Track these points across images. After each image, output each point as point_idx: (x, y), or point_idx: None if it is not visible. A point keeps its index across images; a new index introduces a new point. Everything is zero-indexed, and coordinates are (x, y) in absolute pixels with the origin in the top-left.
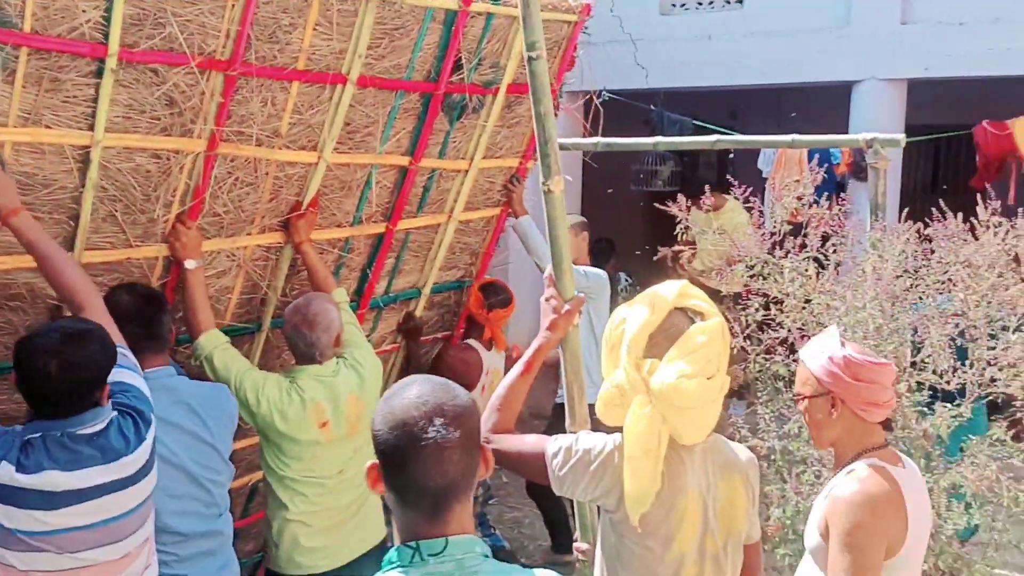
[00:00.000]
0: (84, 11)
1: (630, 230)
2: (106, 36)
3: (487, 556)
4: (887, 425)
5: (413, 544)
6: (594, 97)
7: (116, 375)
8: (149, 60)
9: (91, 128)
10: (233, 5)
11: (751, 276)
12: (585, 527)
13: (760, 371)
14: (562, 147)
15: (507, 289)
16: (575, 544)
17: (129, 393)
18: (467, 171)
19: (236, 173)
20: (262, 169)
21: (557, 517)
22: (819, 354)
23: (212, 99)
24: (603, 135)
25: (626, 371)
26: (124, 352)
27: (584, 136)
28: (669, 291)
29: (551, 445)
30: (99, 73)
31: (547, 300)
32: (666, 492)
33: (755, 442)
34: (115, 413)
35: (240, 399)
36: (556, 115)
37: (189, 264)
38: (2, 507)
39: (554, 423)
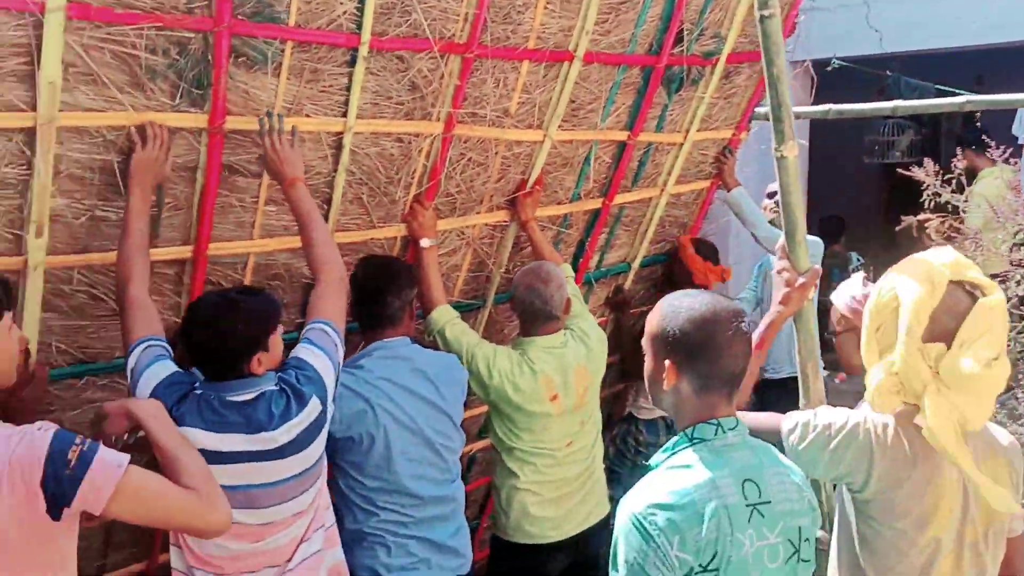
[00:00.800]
0: (341, 3)
1: (862, 207)
2: (359, 26)
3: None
4: None
5: (714, 421)
6: (809, 66)
7: (297, 351)
8: (396, 47)
9: (344, 115)
10: None
11: (1014, 245)
12: (824, 514)
13: (1021, 351)
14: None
15: (709, 242)
16: None
17: (301, 371)
18: (682, 144)
19: (468, 154)
20: (491, 149)
21: None
22: (845, 295)
23: (450, 82)
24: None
25: (906, 358)
26: (324, 329)
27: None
28: (944, 261)
29: (787, 421)
30: (352, 62)
31: (779, 272)
32: (920, 471)
33: (1014, 428)
34: (274, 387)
35: (472, 371)
36: None
37: (425, 243)
38: None
39: (757, 402)
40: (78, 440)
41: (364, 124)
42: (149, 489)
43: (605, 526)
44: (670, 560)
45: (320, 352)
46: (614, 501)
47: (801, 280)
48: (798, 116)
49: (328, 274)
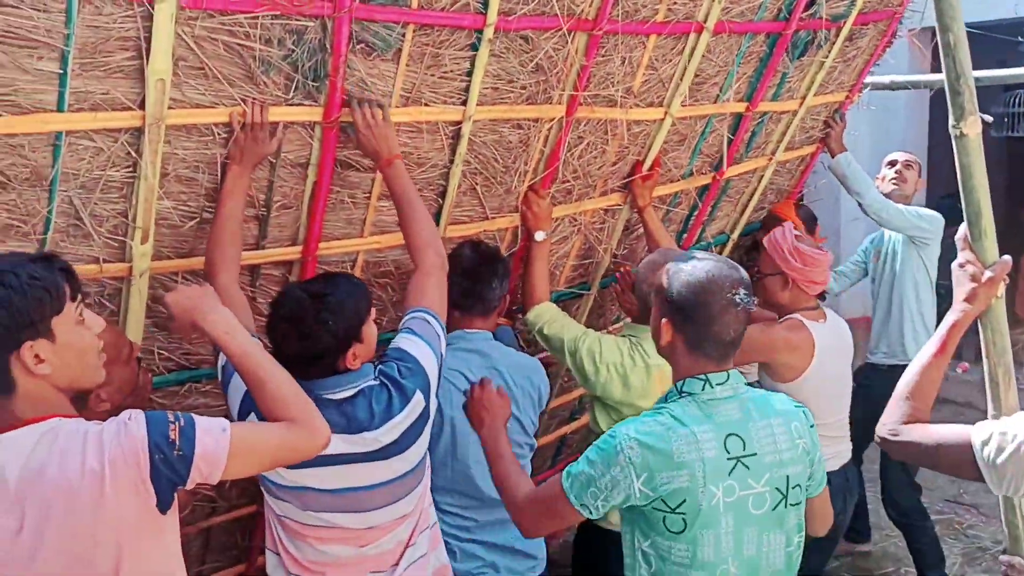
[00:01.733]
0: None
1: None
2: (485, 5)
3: (750, 386)
4: (821, 295)
5: (702, 376)
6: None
7: (397, 341)
8: (523, 27)
9: (463, 103)
10: None
11: None
12: (1017, 538)
13: None
14: (914, 85)
15: (808, 209)
16: (1002, 557)
17: (403, 363)
18: (796, 111)
19: (587, 137)
20: (611, 131)
21: (925, 547)
22: (777, 244)
23: (576, 61)
24: None
25: None
26: (426, 318)
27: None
28: None
29: (978, 432)
30: (474, 46)
31: (962, 267)
32: None
33: None
34: (374, 382)
35: (576, 367)
36: (890, 45)
37: (539, 236)
38: None
39: (861, 388)
40: (171, 417)
41: (484, 111)
42: (254, 442)
43: None
44: (626, 486)
45: (422, 342)
46: None
47: (988, 274)
48: (924, 85)
49: (430, 259)
